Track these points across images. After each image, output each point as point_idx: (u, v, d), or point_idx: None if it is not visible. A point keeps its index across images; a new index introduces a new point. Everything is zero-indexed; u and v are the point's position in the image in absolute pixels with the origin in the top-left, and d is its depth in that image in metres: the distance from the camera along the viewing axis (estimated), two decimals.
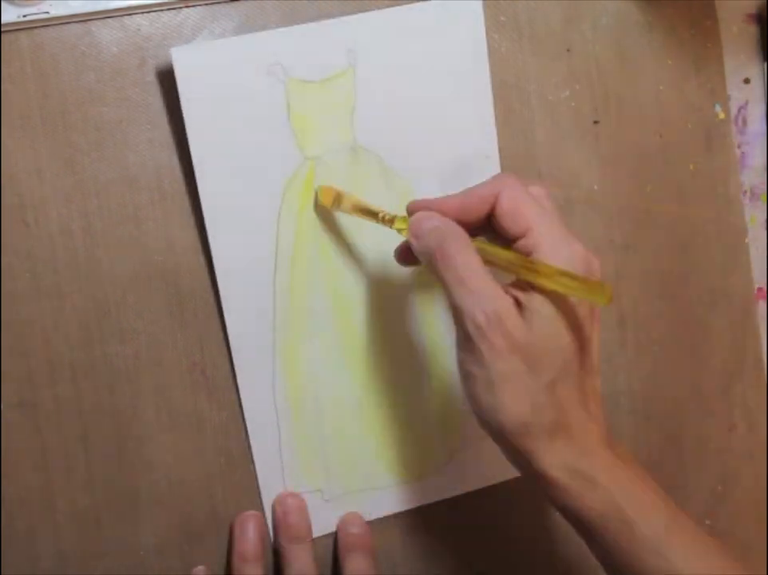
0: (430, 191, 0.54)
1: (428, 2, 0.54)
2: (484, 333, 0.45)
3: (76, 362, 0.52)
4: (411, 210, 0.50)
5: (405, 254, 0.51)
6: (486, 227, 0.49)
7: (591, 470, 0.46)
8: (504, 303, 0.45)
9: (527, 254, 0.47)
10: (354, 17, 0.53)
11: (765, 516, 0.65)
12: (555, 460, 0.46)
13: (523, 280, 0.46)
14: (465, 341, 0.46)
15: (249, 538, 0.54)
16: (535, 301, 0.46)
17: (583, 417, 0.47)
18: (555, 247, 0.46)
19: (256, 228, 0.53)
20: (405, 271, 0.56)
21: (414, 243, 0.48)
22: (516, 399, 0.45)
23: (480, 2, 0.55)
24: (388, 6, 0.54)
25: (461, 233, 0.47)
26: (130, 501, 0.53)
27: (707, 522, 0.64)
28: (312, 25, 0.52)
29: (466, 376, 0.46)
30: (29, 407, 0.51)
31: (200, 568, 0.54)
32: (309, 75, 0.53)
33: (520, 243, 0.47)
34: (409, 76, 0.54)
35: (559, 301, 0.46)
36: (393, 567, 0.58)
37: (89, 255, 0.51)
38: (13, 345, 0.51)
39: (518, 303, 0.46)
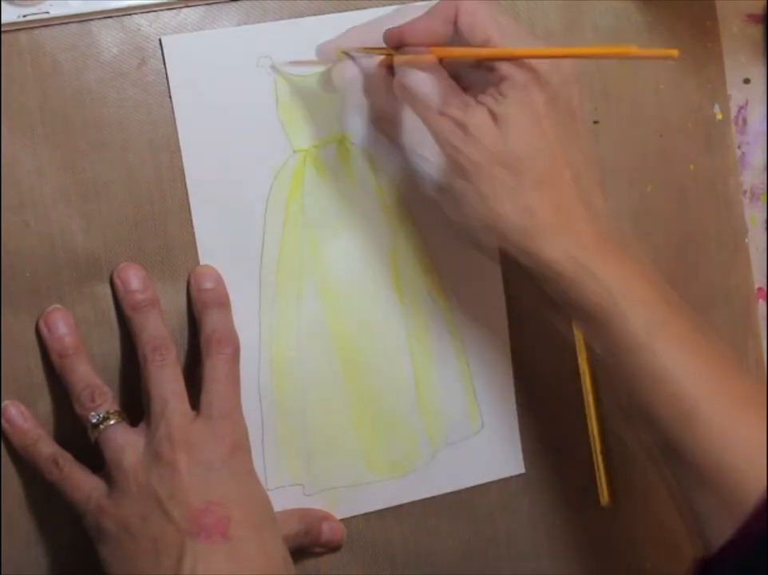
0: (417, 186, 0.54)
1: (415, 4, 0.55)
2: (462, 150, 0.46)
3: None
4: (386, 41, 0.50)
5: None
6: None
7: (590, 262, 0.47)
8: (475, 114, 0.47)
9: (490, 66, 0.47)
10: (343, 14, 0.54)
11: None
12: (558, 253, 0.47)
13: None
14: (450, 163, 0.47)
15: (60, 334, 0.50)
16: (507, 107, 0.47)
17: (585, 214, 0.48)
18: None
19: (243, 219, 0.53)
20: (395, 267, 0.56)
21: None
22: (509, 205, 0.47)
23: None
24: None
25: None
26: None
27: None
28: (301, 19, 0.53)
29: (457, 197, 0.48)
30: (29, 406, 0.51)
31: None
32: (298, 68, 0.53)
33: None
34: None
35: (533, 104, 0.47)
36: (393, 567, 0.58)
37: (89, 255, 0.51)
38: (13, 345, 0.51)
39: (491, 113, 0.47)
